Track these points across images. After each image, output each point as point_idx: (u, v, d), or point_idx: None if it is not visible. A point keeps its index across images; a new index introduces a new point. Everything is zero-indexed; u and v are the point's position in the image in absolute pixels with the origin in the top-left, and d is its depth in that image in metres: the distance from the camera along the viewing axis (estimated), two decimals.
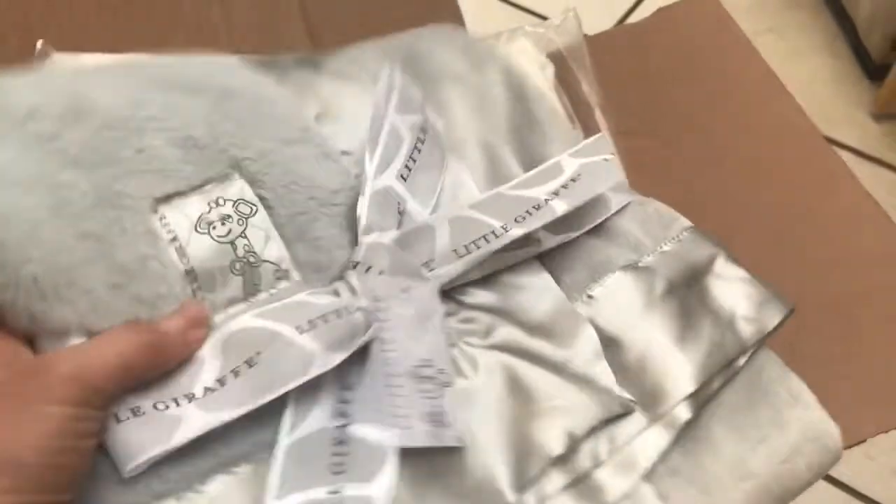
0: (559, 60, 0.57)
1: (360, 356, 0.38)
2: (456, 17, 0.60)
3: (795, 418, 0.43)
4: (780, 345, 0.47)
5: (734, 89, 0.58)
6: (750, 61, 0.58)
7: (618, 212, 0.46)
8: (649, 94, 0.58)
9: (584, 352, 0.41)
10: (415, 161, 0.44)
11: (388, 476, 0.35)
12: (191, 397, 0.35)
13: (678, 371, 0.41)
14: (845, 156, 1.13)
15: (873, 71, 1.15)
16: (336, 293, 0.40)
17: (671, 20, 0.60)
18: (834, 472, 0.86)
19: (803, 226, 0.53)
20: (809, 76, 1.18)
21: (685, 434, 0.41)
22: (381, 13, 0.59)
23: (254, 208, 0.40)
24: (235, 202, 0.40)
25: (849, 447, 0.47)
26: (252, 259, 0.39)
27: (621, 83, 0.57)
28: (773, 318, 0.44)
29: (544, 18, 0.61)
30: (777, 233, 0.53)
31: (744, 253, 0.48)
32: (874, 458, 0.88)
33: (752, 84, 0.58)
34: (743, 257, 0.47)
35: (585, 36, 0.58)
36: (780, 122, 0.56)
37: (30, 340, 0.35)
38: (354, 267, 0.40)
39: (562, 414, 0.39)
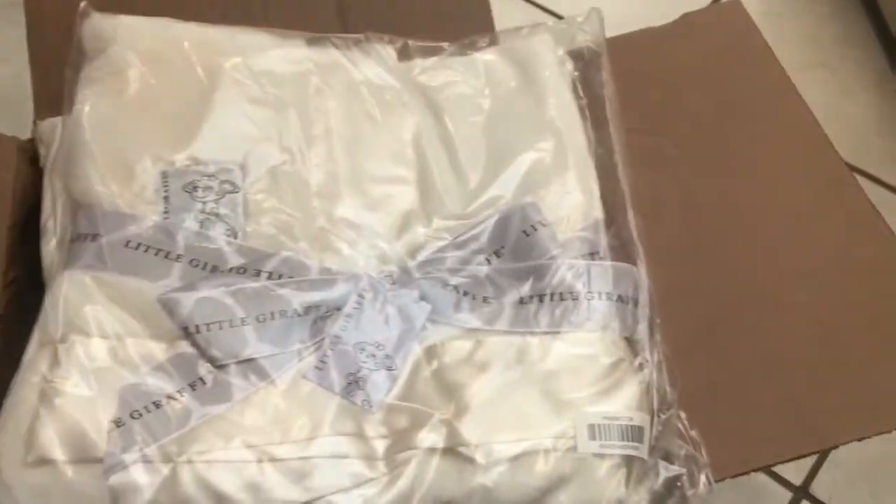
0: (579, 57, 0.58)
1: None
2: (483, 8, 0.62)
3: None
4: (760, 350, 0.48)
5: (749, 97, 0.58)
6: (769, 71, 0.59)
7: None
8: (665, 96, 0.58)
9: None
10: None
11: None
12: None
13: None
14: (888, 195, 1.12)
15: None
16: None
17: (694, 26, 0.61)
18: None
19: (798, 232, 0.54)
20: (857, 113, 1.17)
21: None
22: None
23: None
24: None
25: (825, 451, 0.47)
26: None
27: (638, 84, 0.58)
28: None
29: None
30: (772, 237, 0.54)
31: (734, 254, 0.49)
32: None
33: (767, 93, 0.58)
34: (732, 257, 0.48)
35: (608, 37, 0.59)
36: (792, 132, 0.57)
37: None
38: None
39: None
